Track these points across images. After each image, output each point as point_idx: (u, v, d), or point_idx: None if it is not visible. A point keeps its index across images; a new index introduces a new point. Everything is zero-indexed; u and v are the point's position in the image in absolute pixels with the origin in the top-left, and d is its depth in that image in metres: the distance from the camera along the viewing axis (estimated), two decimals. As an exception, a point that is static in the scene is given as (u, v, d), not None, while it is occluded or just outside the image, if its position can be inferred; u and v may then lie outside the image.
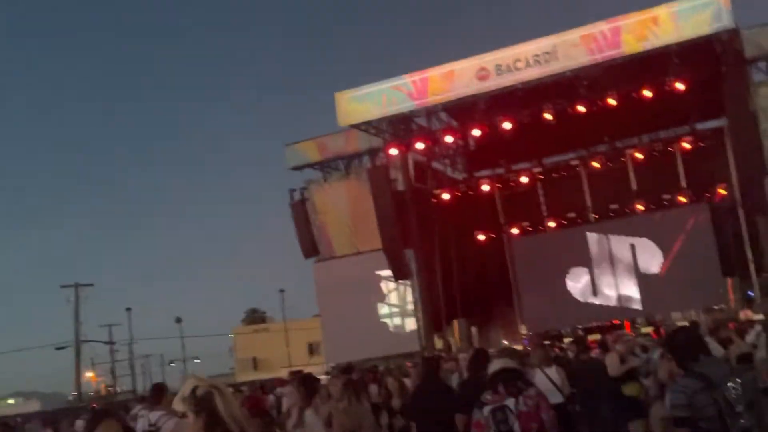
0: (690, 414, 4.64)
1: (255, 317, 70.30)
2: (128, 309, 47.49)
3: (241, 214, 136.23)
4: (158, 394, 8.31)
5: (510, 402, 5.55)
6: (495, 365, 6.02)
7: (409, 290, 27.86)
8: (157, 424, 7.89)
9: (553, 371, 9.33)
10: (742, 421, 4.49)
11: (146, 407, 8.46)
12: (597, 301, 30.03)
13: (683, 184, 28.82)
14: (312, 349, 45.24)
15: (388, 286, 28.27)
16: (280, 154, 29.83)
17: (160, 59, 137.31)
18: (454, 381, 10.58)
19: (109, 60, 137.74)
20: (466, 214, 30.57)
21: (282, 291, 49.00)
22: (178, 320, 50.40)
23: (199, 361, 58.12)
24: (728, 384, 4.57)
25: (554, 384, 8.96)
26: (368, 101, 24.95)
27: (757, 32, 23.42)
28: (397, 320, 28.44)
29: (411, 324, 28.02)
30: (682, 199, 28.68)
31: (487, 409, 5.64)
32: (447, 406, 7.74)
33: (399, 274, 26.47)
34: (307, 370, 22.86)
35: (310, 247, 28.76)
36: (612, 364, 9.59)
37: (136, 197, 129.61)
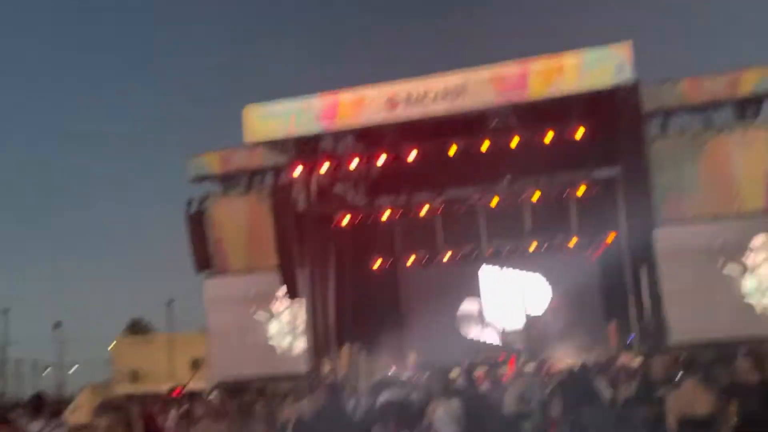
0: None
1: (138, 328, 68.19)
2: (5, 311, 45.22)
3: (135, 222, 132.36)
4: (39, 404, 7.84)
5: None
6: (384, 396, 5.80)
7: (300, 311, 27.56)
8: None
9: (452, 404, 8.98)
10: None
11: (25, 416, 7.97)
12: (485, 336, 30.57)
13: (575, 228, 29.77)
14: (196, 364, 44.11)
15: (280, 305, 27.92)
16: (181, 165, 29.25)
17: (55, 61, 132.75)
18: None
19: None
20: (364, 240, 30.66)
21: (170, 302, 47.57)
22: (57, 325, 48.25)
23: (75, 369, 55.72)
24: None
25: (452, 418, 8.76)
26: (276, 119, 24.71)
27: (656, 88, 24.46)
28: (286, 341, 28.08)
29: (300, 345, 27.70)
30: (573, 243, 29.63)
31: None
32: None
33: (292, 294, 26.14)
34: (189, 385, 22.28)
35: (204, 261, 28.15)
36: (509, 401, 9.59)
37: (21, 195, 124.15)
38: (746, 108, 24.53)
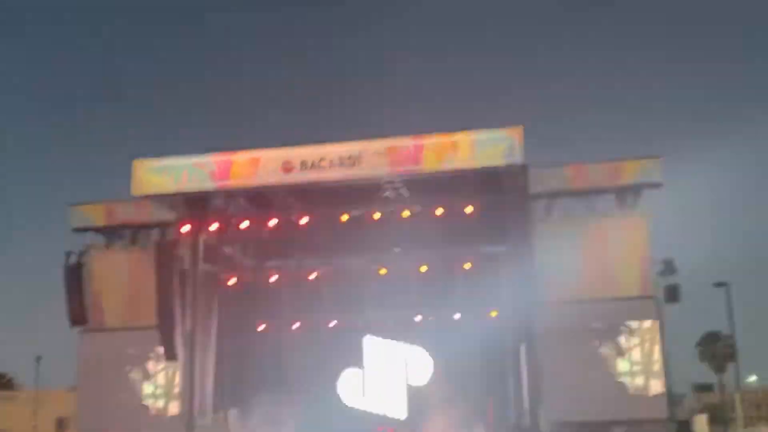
0: None
1: (1, 383, 64.52)
2: None
3: (8, 271, 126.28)
4: None
5: None
6: None
7: (178, 373, 26.65)
8: None
9: None
10: None
11: None
12: (365, 406, 30.27)
13: (460, 302, 30.19)
14: (61, 424, 41.93)
15: (156, 365, 26.94)
16: (61, 214, 28.18)
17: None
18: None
19: None
20: (249, 302, 30.13)
21: (38, 358, 45.30)
22: None
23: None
24: None
25: None
26: (167, 174, 24.21)
27: (542, 172, 25.34)
28: (160, 403, 27.03)
29: (174, 408, 26.72)
30: (458, 316, 30.02)
31: None
32: None
33: (170, 355, 25.26)
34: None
35: (79, 316, 26.90)
36: None
37: None
38: (626, 196, 25.67)
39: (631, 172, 25.16)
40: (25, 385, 55.86)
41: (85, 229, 27.82)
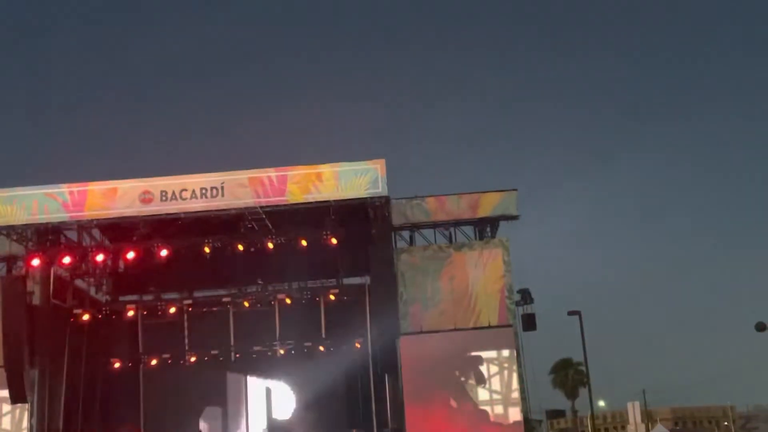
0: None
1: None
2: None
3: None
4: None
5: None
6: None
7: (25, 415, 25.14)
8: None
9: None
10: None
11: None
12: (227, 443, 29.57)
13: (323, 334, 30.09)
14: None
15: (1, 409, 25.29)
16: None
17: None
18: None
19: None
20: (104, 339, 28.89)
21: None
22: None
23: None
24: None
25: None
26: (17, 204, 23.06)
27: (405, 204, 25.87)
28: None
29: (22, 454, 25.10)
30: (321, 349, 29.86)
31: None
32: None
33: (17, 397, 23.82)
34: None
35: None
36: None
37: None
38: (485, 228, 26.49)
39: (488, 204, 25.99)
40: None
41: None
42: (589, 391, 35.95)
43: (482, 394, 24.89)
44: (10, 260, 25.73)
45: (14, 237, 24.31)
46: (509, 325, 25.24)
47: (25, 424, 25.10)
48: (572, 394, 59.51)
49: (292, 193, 23.35)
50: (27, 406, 24.74)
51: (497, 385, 24.96)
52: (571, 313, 29.73)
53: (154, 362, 30.40)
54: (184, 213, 23.47)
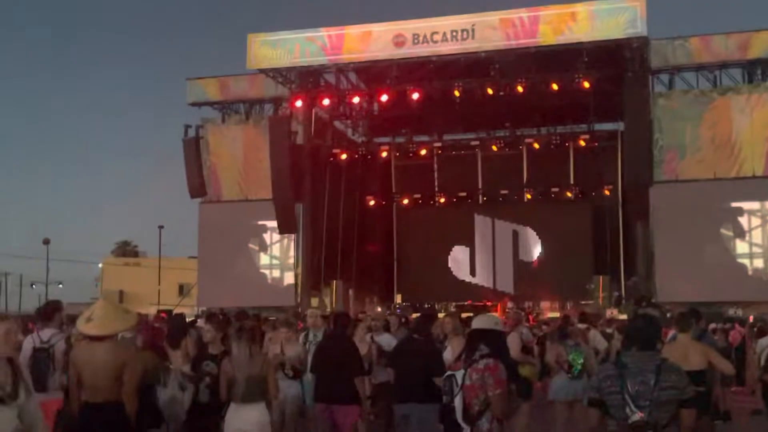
0: (598, 396, 4.77)
1: (127, 250, 68.42)
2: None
3: (129, 144, 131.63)
4: (52, 312, 7.93)
5: (459, 374, 5.12)
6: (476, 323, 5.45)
7: (291, 244, 27.58)
8: (50, 341, 7.59)
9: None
10: (636, 416, 4.55)
11: (38, 322, 8.06)
12: (474, 281, 30.78)
13: (572, 180, 29.83)
14: (182, 290, 44.41)
15: (271, 237, 27.84)
16: (181, 90, 28.82)
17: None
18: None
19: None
20: (360, 178, 30.64)
21: (161, 227, 47.66)
22: (46, 242, 48.22)
23: (62, 286, 55.96)
24: (640, 378, 4.62)
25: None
26: (281, 48, 24.43)
27: (665, 45, 24.19)
28: (276, 273, 28.07)
29: (289, 278, 27.70)
30: (569, 195, 29.73)
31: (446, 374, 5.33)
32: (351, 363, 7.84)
33: (285, 228, 26.13)
34: (177, 310, 22.43)
35: (198, 187, 27.85)
36: (514, 345, 9.56)
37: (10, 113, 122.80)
38: (755, 71, 24.33)
39: (761, 44, 23.64)
40: (148, 253, 59.22)
41: (202, 104, 28.44)
42: None
43: (741, 247, 23.66)
44: (277, 102, 27.48)
45: (279, 79, 25.86)
46: (776, 177, 23.44)
47: (291, 252, 27.59)
48: None
49: (544, 34, 22.65)
50: (293, 236, 27.07)
51: (758, 238, 23.57)
52: None
53: (405, 201, 32.01)
54: (436, 56, 23.63)
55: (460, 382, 5.03)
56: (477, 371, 5.01)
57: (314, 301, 27.84)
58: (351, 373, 7.79)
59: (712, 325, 16.43)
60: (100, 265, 59.19)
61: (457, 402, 5.00)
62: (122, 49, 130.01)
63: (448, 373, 5.12)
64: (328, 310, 26.20)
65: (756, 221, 23.66)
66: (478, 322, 5.43)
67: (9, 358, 4.66)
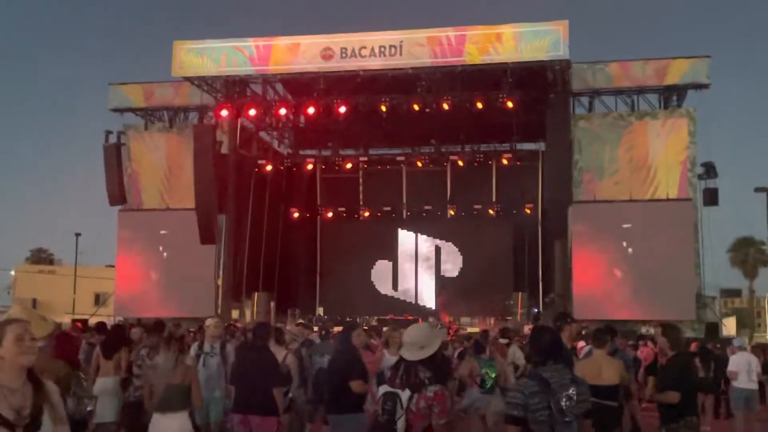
0: (523, 414, 4.66)
1: (42, 258, 66.29)
2: None
3: (48, 149, 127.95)
4: None
5: (404, 395, 4.82)
6: (408, 350, 4.94)
7: (213, 255, 27.13)
8: None
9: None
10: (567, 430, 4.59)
11: None
12: (396, 295, 30.93)
13: (494, 198, 30.34)
14: (99, 299, 43.26)
15: (192, 247, 27.30)
16: (103, 95, 28.19)
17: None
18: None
19: None
20: (285, 190, 30.56)
21: (78, 235, 46.33)
22: (-44, 247, 46.46)
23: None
24: (564, 393, 4.65)
25: None
26: (207, 56, 24.11)
27: (586, 69, 24.86)
28: (193, 284, 27.57)
29: (210, 290, 27.27)
30: (491, 212, 30.22)
31: (382, 389, 4.99)
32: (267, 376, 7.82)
33: (206, 238, 25.66)
34: (92, 320, 21.80)
35: (118, 195, 27.19)
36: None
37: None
38: (671, 96, 25.15)
39: (677, 71, 24.50)
40: (63, 261, 57.49)
41: (124, 110, 27.85)
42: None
43: (650, 266, 24.21)
44: (202, 110, 27.11)
45: (205, 88, 25.53)
46: (689, 199, 24.24)
47: (212, 263, 27.11)
48: (751, 274, 57.04)
49: (470, 54, 22.97)
50: (215, 246, 26.64)
51: (666, 259, 24.16)
52: (758, 190, 28.02)
53: (330, 214, 32.01)
54: (363, 70, 23.70)
55: (405, 404, 4.80)
56: (425, 399, 4.78)
57: (235, 313, 27.50)
58: (270, 384, 7.70)
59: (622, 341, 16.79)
60: (12, 273, 57.16)
61: (400, 425, 4.75)
62: (43, 50, 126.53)
63: (390, 390, 4.86)
64: (247, 321, 25.97)
65: (665, 242, 24.21)
66: (414, 336, 5.08)
67: (30, 371, 3.63)
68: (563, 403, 4.59)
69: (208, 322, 9.89)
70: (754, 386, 12.57)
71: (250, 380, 7.76)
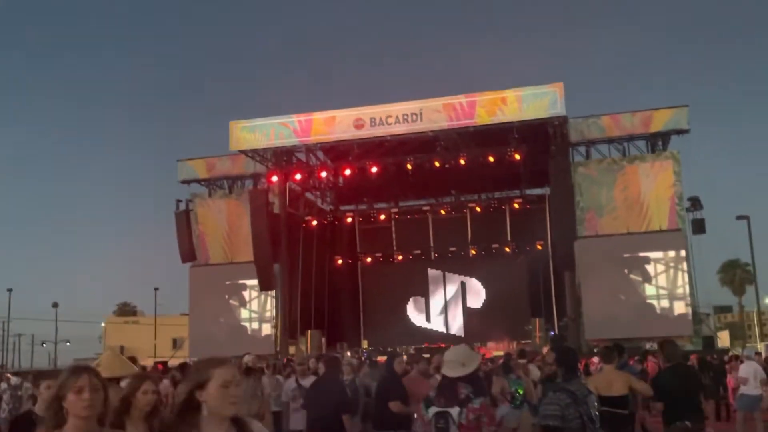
0: (560, 424, 4.58)
1: (126, 310, 67.01)
2: (9, 290, 43.96)
3: (129, 218, 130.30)
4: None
5: (454, 411, 4.70)
6: (450, 368, 4.81)
7: (269, 299, 27.31)
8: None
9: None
10: None
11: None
12: (429, 326, 30.71)
13: (509, 237, 30.19)
14: (176, 343, 43.49)
15: (251, 294, 27.62)
16: (172, 170, 28.86)
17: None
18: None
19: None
20: (328, 241, 30.73)
21: (156, 289, 46.89)
22: (55, 305, 47.28)
23: (69, 344, 54.54)
24: (588, 401, 4.61)
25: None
26: (258, 132, 24.60)
27: (581, 122, 24.90)
28: (255, 324, 27.75)
29: (267, 329, 27.41)
30: (507, 250, 30.06)
31: (432, 410, 4.83)
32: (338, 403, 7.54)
33: (264, 285, 25.89)
34: (171, 362, 21.92)
35: (188, 253, 27.67)
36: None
37: (21, 198, 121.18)
38: (656, 142, 25.04)
39: (660, 120, 24.43)
40: (145, 312, 58.08)
41: (191, 181, 28.40)
42: (756, 288, 33.89)
43: (649, 289, 24.04)
44: (256, 177, 27.56)
45: (257, 158, 25.97)
46: (679, 230, 23.96)
47: (269, 306, 27.31)
48: (739, 292, 55.90)
49: (480, 116, 23.13)
50: (272, 293, 26.82)
51: (663, 282, 23.97)
52: (739, 218, 27.66)
53: (368, 259, 32.06)
54: (390, 136, 23.94)
55: (456, 420, 4.68)
56: (473, 411, 4.66)
57: (292, 349, 27.49)
58: (341, 410, 7.50)
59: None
60: (102, 324, 57.84)
61: None
62: (121, 136, 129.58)
63: (441, 410, 4.73)
64: (305, 356, 25.94)
65: (660, 268, 24.11)
66: (456, 354, 4.97)
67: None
68: (593, 413, 4.53)
69: (246, 358, 9.79)
70: (759, 392, 12.28)
71: (321, 407, 7.62)
